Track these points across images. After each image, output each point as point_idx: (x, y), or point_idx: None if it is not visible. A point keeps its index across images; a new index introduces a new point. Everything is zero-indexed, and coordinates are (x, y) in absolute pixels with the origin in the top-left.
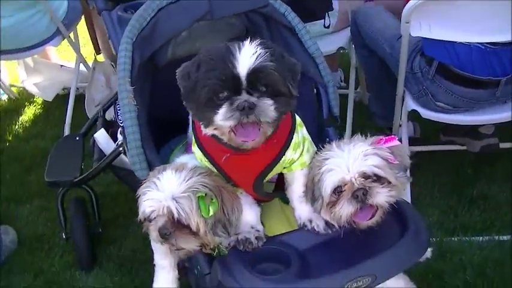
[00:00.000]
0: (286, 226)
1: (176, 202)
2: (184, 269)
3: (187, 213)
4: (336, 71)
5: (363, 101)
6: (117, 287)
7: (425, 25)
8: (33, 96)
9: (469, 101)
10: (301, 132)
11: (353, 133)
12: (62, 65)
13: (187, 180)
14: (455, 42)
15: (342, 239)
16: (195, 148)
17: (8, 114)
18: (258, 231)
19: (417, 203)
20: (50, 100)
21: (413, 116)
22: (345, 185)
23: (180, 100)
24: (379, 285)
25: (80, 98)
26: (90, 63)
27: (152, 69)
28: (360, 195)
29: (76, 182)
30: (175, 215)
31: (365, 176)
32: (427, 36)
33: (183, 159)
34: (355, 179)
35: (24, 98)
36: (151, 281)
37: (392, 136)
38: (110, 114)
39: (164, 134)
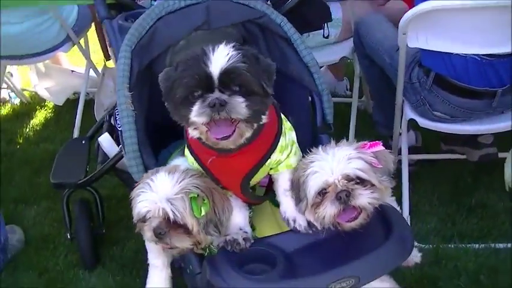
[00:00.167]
0: (276, 229)
1: (171, 204)
2: (180, 269)
3: (182, 213)
4: (341, 80)
5: (367, 110)
6: (119, 287)
7: (422, 36)
8: (44, 100)
9: (465, 111)
10: (290, 136)
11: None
12: (72, 71)
13: (180, 182)
14: (452, 53)
15: (328, 242)
16: (186, 151)
17: (20, 118)
18: (246, 232)
19: (416, 210)
20: (61, 104)
21: (415, 125)
22: (329, 186)
23: None
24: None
25: (90, 103)
26: (100, 69)
27: (150, 76)
28: (343, 197)
29: (80, 183)
30: (171, 216)
31: (348, 179)
32: (424, 48)
33: (176, 161)
34: (339, 181)
35: (35, 102)
36: None
37: (377, 142)
38: None
39: (164, 138)
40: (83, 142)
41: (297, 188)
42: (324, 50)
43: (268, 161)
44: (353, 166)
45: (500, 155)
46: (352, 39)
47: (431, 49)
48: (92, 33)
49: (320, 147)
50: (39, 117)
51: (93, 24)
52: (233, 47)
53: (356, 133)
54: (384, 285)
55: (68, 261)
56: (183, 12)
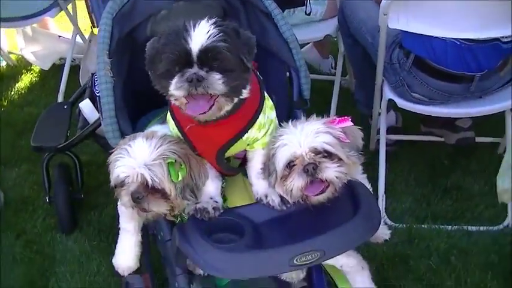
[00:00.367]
0: (247, 201)
1: (149, 169)
2: (154, 235)
3: (160, 179)
4: (327, 58)
5: (350, 88)
6: (95, 251)
7: (403, 18)
8: (30, 64)
9: (443, 94)
10: (270, 115)
11: None
12: (60, 36)
13: (158, 147)
14: (432, 36)
15: (296, 215)
16: (168, 115)
17: (5, 81)
18: (216, 202)
19: (392, 189)
20: (47, 69)
21: (395, 106)
22: (296, 159)
23: None
24: (331, 262)
25: (75, 69)
26: (87, 36)
27: (131, 44)
28: (310, 170)
29: (60, 148)
30: (149, 182)
31: (316, 152)
32: (405, 29)
33: (153, 128)
34: (306, 154)
35: (22, 65)
36: None
37: (346, 117)
38: None
39: (143, 106)
40: (65, 107)
41: (268, 162)
42: (308, 27)
43: (246, 135)
44: (321, 140)
45: (477, 139)
46: (337, 17)
47: (411, 31)
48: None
49: (290, 122)
50: (25, 80)
51: None
52: (214, 23)
53: (338, 111)
54: (349, 260)
55: (46, 224)
56: None
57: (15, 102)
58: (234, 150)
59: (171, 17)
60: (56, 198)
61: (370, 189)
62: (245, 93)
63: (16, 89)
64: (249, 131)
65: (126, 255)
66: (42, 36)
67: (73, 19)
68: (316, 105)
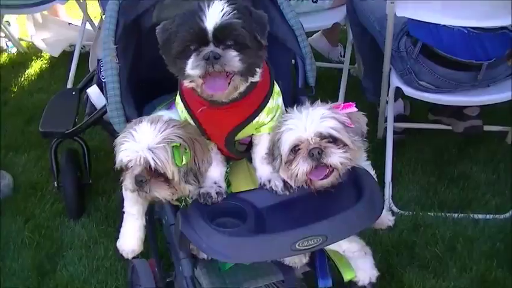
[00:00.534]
0: (251, 186)
1: (152, 152)
2: (159, 220)
3: (163, 162)
4: (336, 46)
5: (358, 77)
6: (102, 235)
7: (410, 6)
8: (40, 51)
9: (450, 82)
10: (277, 101)
11: None
12: (70, 23)
13: (162, 131)
14: (439, 24)
15: (299, 201)
16: (178, 99)
17: (16, 67)
18: (220, 187)
19: (399, 177)
20: (56, 56)
21: (404, 94)
22: (302, 143)
23: (164, 62)
24: (334, 247)
25: (85, 56)
26: (96, 23)
27: (137, 30)
28: (315, 154)
29: (67, 133)
30: (152, 165)
31: (321, 136)
32: (412, 17)
33: (159, 113)
34: (311, 138)
35: (32, 52)
36: None
37: (351, 103)
38: None
39: (149, 93)
40: (73, 93)
41: (272, 146)
42: (317, 15)
43: (256, 119)
44: (326, 125)
45: (485, 128)
46: (345, 5)
47: (419, 19)
48: None
49: (295, 107)
50: (35, 67)
51: None
52: (227, 1)
53: (346, 99)
54: (352, 245)
55: (54, 209)
56: None
57: (25, 88)
58: (242, 134)
59: (176, 3)
60: (64, 184)
61: (374, 176)
62: (257, 77)
63: (26, 76)
64: (259, 115)
65: (130, 238)
66: (53, 23)
67: (83, 6)
68: (324, 93)
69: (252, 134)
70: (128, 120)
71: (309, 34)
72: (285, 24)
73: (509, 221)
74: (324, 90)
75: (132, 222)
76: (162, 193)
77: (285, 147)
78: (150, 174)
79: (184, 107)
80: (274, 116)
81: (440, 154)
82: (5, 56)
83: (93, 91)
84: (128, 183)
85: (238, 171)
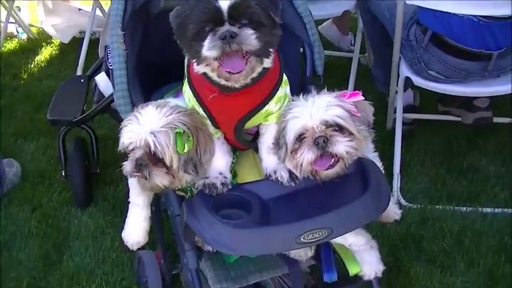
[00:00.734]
0: (257, 176)
1: (154, 136)
2: (166, 211)
3: (164, 147)
4: (346, 35)
5: (368, 66)
6: (109, 226)
7: None
8: (50, 37)
9: (460, 72)
10: (285, 90)
11: None
12: (80, 9)
13: (167, 116)
14: (449, 13)
15: (304, 193)
16: (186, 87)
17: (25, 53)
18: (225, 178)
19: (407, 169)
20: (66, 42)
21: (414, 84)
22: (307, 131)
23: (172, 48)
24: (340, 240)
25: (95, 42)
26: (106, 9)
27: (145, 17)
28: (321, 143)
29: (75, 121)
30: (152, 148)
31: (327, 125)
32: (422, 5)
33: (167, 99)
34: (317, 126)
35: (42, 38)
36: None
37: (357, 92)
38: None
39: (157, 80)
40: (82, 81)
41: (278, 135)
42: (327, 3)
43: (266, 107)
44: (332, 113)
45: (495, 119)
46: None
47: (429, 7)
48: None
49: (301, 96)
50: (45, 53)
51: None
52: None
53: (355, 88)
54: (358, 239)
55: (62, 198)
56: None
57: (35, 75)
58: (252, 123)
59: None
60: (71, 173)
61: (381, 168)
62: (269, 62)
63: (36, 62)
64: (269, 103)
65: (135, 229)
66: (63, 9)
67: None
68: (334, 81)
69: (260, 124)
70: (134, 107)
71: (319, 22)
72: (294, 11)
73: None
74: (333, 79)
75: (138, 212)
76: (160, 179)
77: (290, 135)
78: (150, 159)
79: (193, 94)
80: (282, 105)
81: (449, 145)
82: (15, 42)
83: (101, 78)
84: (127, 166)
85: (245, 162)
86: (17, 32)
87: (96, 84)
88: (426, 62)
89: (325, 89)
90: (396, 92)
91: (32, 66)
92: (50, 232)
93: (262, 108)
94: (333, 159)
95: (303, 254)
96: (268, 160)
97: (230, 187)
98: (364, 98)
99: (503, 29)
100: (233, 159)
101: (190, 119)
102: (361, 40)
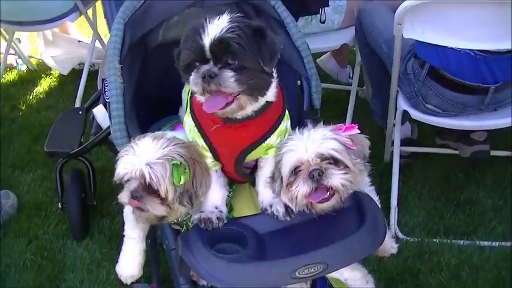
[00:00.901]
0: (253, 210)
1: (150, 167)
2: (162, 245)
3: (159, 178)
4: (345, 68)
5: (367, 99)
6: (105, 258)
7: (418, 27)
8: (50, 68)
9: (458, 106)
10: (286, 124)
11: None
12: (80, 41)
13: (164, 148)
14: (447, 47)
15: (300, 227)
16: (187, 118)
17: (25, 85)
18: (221, 212)
19: (405, 202)
20: (66, 74)
21: (412, 117)
22: (302, 164)
23: (169, 82)
24: (336, 275)
25: (94, 74)
26: (106, 41)
27: (143, 50)
28: (316, 175)
29: (72, 153)
30: (147, 179)
31: (322, 158)
32: (419, 39)
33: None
34: (312, 159)
35: (41, 70)
36: None
37: (353, 125)
38: None
39: (154, 113)
40: (80, 113)
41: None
42: (325, 36)
43: (267, 141)
44: (327, 146)
45: (493, 152)
46: (354, 26)
47: (426, 41)
48: (100, 5)
49: (297, 129)
50: (44, 85)
51: None
52: (231, 18)
53: (353, 121)
54: (354, 274)
55: (58, 230)
56: None
57: (33, 106)
58: (252, 156)
59: (183, 22)
60: (68, 205)
61: (378, 202)
62: (271, 96)
63: (35, 93)
64: (271, 136)
65: (130, 262)
66: (62, 41)
67: (93, 24)
68: (332, 114)
69: (259, 157)
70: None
71: (318, 55)
72: (291, 46)
73: None
74: (331, 112)
75: (132, 246)
76: (155, 210)
77: (285, 168)
78: (145, 190)
79: (195, 125)
80: (283, 139)
81: (447, 179)
82: (14, 73)
83: (99, 111)
84: (123, 197)
85: (241, 196)
86: (17, 63)
87: (93, 117)
88: (424, 96)
89: (321, 122)
90: (394, 125)
91: (31, 97)
92: (45, 265)
93: (264, 141)
94: (328, 192)
95: None
96: (265, 194)
97: (225, 221)
98: (360, 132)
99: (500, 63)
100: (229, 192)
101: (187, 151)
102: (360, 73)
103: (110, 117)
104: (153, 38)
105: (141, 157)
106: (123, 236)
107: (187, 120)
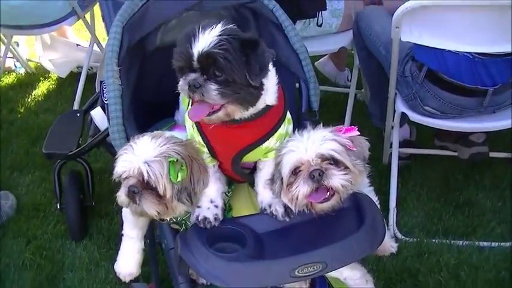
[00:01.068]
0: (252, 210)
1: (148, 165)
2: (160, 244)
3: (157, 176)
4: (343, 71)
5: (365, 101)
6: (103, 258)
7: (415, 31)
8: (48, 72)
9: (456, 108)
10: (287, 128)
11: None
12: (78, 44)
13: (162, 146)
14: (444, 49)
15: (299, 227)
16: (186, 116)
17: (23, 88)
18: (216, 207)
19: (403, 203)
20: (64, 77)
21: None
22: (303, 165)
23: (167, 84)
24: (335, 274)
25: (92, 77)
26: (104, 44)
27: (141, 53)
28: (316, 176)
29: (70, 155)
30: (145, 177)
31: (322, 158)
32: (417, 42)
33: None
34: (312, 160)
35: (40, 73)
36: None
37: (353, 127)
38: None
39: (153, 115)
40: (78, 115)
41: (274, 169)
42: (323, 39)
43: (266, 143)
44: (327, 146)
45: (491, 154)
46: (352, 30)
47: (424, 44)
48: (98, 9)
49: (297, 131)
50: (42, 88)
51: None
52: (222, 31)
53: (352, 124)
54: (353, 273)
55: (57, 231)
56: None
57: (32, 109)
58: (250, 157)
59: (181, 26)
60: (66, 206)
61: (377, 202)
62: (272, 100)
63: (33, 96)
64: (270, 139)
65: (128, 261)
66: (61, 44)
67: (91, 28)
68: (330, 117)
69: (258, 159)
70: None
71: (316, 58)
72: (289, 48)
73: None
74: (330, 115)
75: (131, 245)
76: (152, 208)
77: (285, 169)
78: (143, 187)
79: (195, 123)
80: (283, 142)
81: (445, 180)
82: (13, 76)
83: (96, 113)
84: (121, 196)
85: (240, 196)
86: (15, 66)
87: (91, 119)
88: (422, 98)
89: (321, 124)
90: (392, 127)
91: (29, 100)
92: (43, 264)
93: (261, 144)
94: (328, 193)
95: None
96: (264, 194)
97: (222, 218)
98: (359, 134)
99: (498, 65)
100: (228, 192)
101: (185, 149)
102: (358, 76)
103: (108, 118)
104: (151, 42)
105: (139, 155)
106: (122, 235)
107: (187, 117)
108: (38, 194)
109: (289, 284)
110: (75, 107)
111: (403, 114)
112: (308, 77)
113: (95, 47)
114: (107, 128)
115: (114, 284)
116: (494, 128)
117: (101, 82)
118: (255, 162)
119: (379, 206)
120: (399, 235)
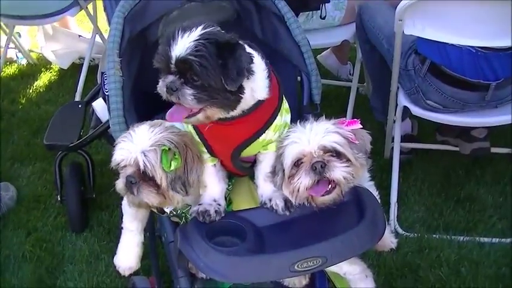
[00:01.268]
0: (252, 204)
1: (144, 155)
2: (160, 237)
3: (153, 165)
4: (345, 64)
5: (367, 95)
6: (104, 251)
7: (419, 24)
8: (50, 63)
9: (458, 102)
10: (285, 118)
11: None
12: (80, 35)
13: (158, 134)
14: (447, 43)
15: (299, 221)
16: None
17: (24, 78)
18: (219, 205)
19: (404, 198)
20: (66, 68)
21: (412, 114)
22: (305, 156)
23: None
24: (335, 269)
25: (94, 69)
26: (106, 36)
27: (142, 44)
28: (318, 168)
29: (71, 146)
30: (141, 167)
31: (325, 150)
32: (420, 36)
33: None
34: (315, 151)
35: (41, 64)
36: None
37: (355, 120)
38: None
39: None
40: (79, 106)
41: (275, 161)
42: (326, 32)
43: (262, 136)
44: (330, 139)
45: (493, 149)
46: (355, 23)
47: (427, 38)
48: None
49: (299, 123)
50: (44, 79)
51: None
52: (200, 35)
53: (354, 118)
54: (353, 268)
55: (57, 222)
56: None
57: (33, 100)
58: (248, 152)
59: (182, 17)
60: (67, 197)
61: (377, 197)
62: (263, 94)
63: (34, 87)
64: (266, 132)
65: (128, 255)
66: (63, 35)
67: (93, 19)
68: (333, 111)
69: (258, 152)
70: None
71: (319, 51)
72: (291, 41)
73: None
74: (332, 108)
75: (130, 238)
76: (149, 198)
77: (287, 160)
78: (141, 177)
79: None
80: (282, 133)
81: (447, 175)
82: (14, 67)
83: (98, 104)
84: (119, 184)
85: (240, 189)
86: (17, 57)
87: (93, 110)
88: (424, 92)
89: (323, 116)
90: (394, 121)
91: (31, 91)
92: (43, 256)
93: (258, 137)
94: (330, 185)
95: (297, 282)
96: (264, 187)
97: (223, 215)
98: (362, 127)
99: (501, 60)
100: (228, 186)
101: (180, 138)
102: (360, 70)
103: (109, 110)
104: (152, 33)
105: (137, 144)
106: (122, 228)
107: None
108: (38, 186)
109: (288, 279)
110: (77, 98)
111: (405, 108)
112: (310, 69)
113: (97, 38)
114: (108, 120)
115: (114, 277)
116: (497, 122)
117: (102, 73)
118: (255, 156)
119: (379, 201)
120: (400, 230)
